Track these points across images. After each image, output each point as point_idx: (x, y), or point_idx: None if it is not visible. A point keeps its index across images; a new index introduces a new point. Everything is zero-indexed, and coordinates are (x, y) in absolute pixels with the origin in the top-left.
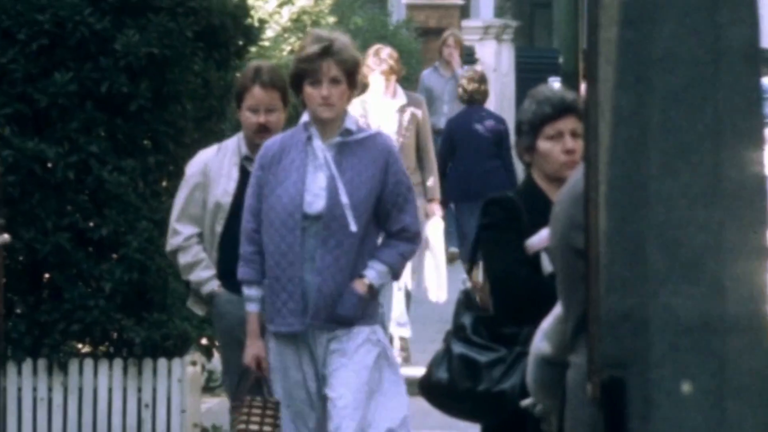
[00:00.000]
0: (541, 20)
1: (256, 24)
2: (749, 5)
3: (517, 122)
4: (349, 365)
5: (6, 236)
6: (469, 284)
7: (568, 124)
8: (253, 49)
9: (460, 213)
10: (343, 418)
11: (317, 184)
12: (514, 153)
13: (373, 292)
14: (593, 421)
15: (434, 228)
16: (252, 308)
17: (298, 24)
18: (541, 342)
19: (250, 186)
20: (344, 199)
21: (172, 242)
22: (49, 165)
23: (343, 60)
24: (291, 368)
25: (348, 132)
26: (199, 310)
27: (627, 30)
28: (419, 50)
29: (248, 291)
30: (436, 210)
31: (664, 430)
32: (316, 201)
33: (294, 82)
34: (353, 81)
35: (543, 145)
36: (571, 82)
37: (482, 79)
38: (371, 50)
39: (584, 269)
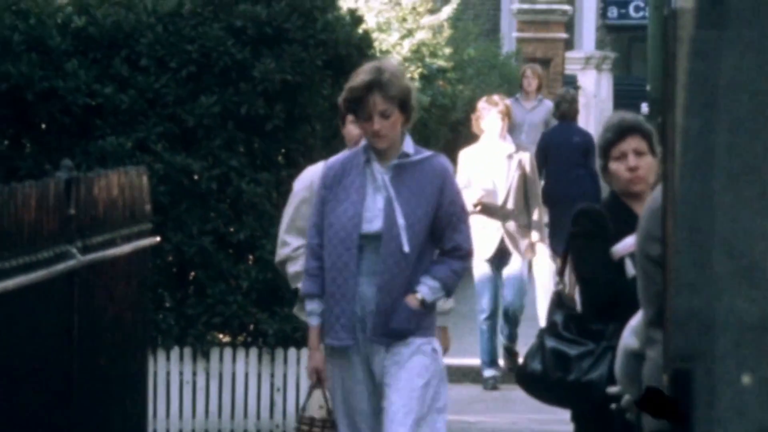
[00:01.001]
0: (638, 52)
1: (378, 54)
2: None
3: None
4: (401, 373)
5: (156, 238)
6: (560, 286)
7: (630, 143)
8: None
9: (551, 215)
10: (393, 422)
11: (376, 205)
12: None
13: (427, 307)
14: None
15: (540, 265)
16: (313, 322)
17: (417, 54)
18: (629, 338)
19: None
20: (400, 220)
21: (281, 252)
22: (195, 177)
23: (390, 94)
24: (347, 380)
25: (405, 155)
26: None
27: (697, 61)
28: None
29: (310, 305)
30: (541, 249)
31: (727, 417)
32: (374, 221)
33: (348, 112)
34: (406, 108)
35: (612, 166)
36: (657, 108)
37: (573, 100)
38: (481, 100)
39: (658, 275)
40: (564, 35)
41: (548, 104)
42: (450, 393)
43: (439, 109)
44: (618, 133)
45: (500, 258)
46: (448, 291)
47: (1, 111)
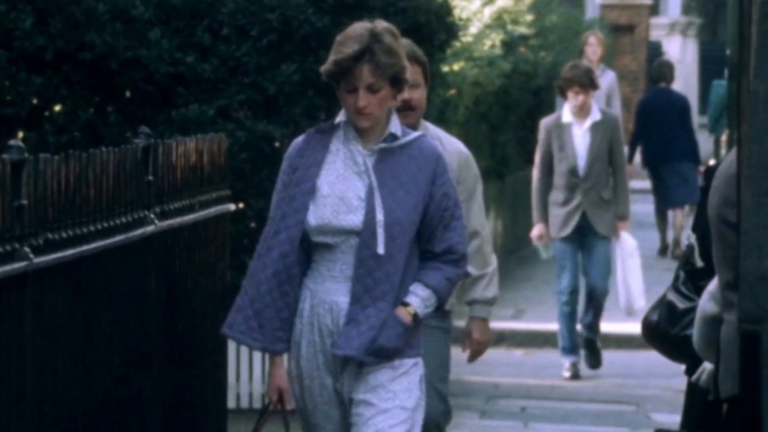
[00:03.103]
0: (724, 18)
1: (458, 21)
2: None
3: None
4: (385, 411)
5: (234, 205)
6: (693, 240)
7: None
8: (457, 44)
9: (656, 172)
10: None
11: (355, 194)
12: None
13: (418, 321)
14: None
15: (625, 244)
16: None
17: (499, 21)
18: (707, 303)
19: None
20: (380, 216)
21: None
22: (276, 144)
23: (381, 66)
24: (308, 378)
25: (393, 137)
26: None
27: (765, 23)
28: (611, 45)
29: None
30: (624, 227)
31: None
32: (352, 214)
33: (329, 79)
34: (398, 83)
35: None
36: (734, 72)
37: (670, 66)
38: (568, 65)
39: (734, 239)
40: (649, 1)
41: (611, 75)
42: (531, 358)
43: (521, 76)
44: None
45: (581, 235)
46: (441, 302)
47: (86, 80)
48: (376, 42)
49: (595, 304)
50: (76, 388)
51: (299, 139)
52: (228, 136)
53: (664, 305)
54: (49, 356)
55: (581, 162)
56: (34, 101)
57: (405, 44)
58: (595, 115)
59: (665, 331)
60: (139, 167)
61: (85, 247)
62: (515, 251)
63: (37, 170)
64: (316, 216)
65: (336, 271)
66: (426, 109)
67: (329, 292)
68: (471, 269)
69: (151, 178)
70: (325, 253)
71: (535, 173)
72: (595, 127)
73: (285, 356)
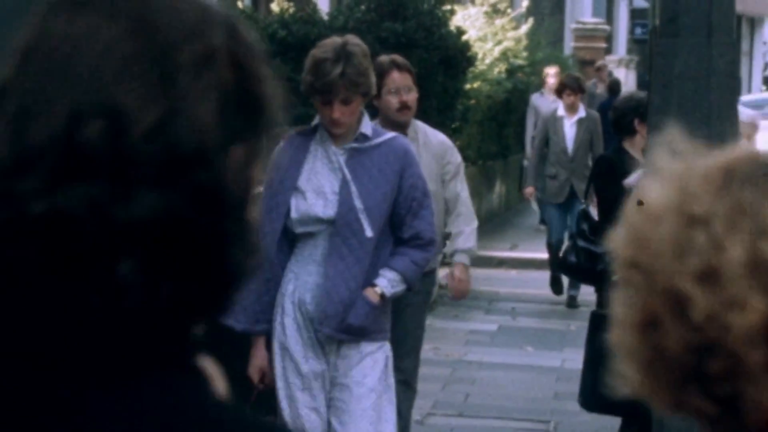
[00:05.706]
0: None
1: (476, 56)
2: (730, 45)
3: (622, 111)
4: (353, 398)
5: None
6: (585, 204)
7: None
8: (476, 70)
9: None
10: None
11: (330, 188)
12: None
13: (385, 302)
14: None
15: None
16: None
17: (504, 56)
18: None
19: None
20: (358, 203)
21: None
22: None
23: (354, 85)
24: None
25: (363, 137)
26: None
27: (659, 58)
28: (580, 73)
29: None
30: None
31: None
32: (328, 205)
33: (310, 94)
34: (367, 94)
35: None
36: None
37: (619, 83)
38: (564, 74)
39: None
40: (605, 45)
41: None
42: (522, 276)
43: (518, 92)
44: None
45: (568, 201)
46: (410, 284)
47: None
48: (349, 63)
49: None
50: None
51: (282, 142)
52: None
53: (580, 251)
54: None
55: (570, 145)
56: None
57: (398, 58)
58: (581, 113)
59: (588, 268)
60: None
61: None
62: (512, 206)
63: None
64: (297, 210)
65: (318, 255)
66: (449, 113)
67: (311, 273)
68: (454, 228)
69: None
70: (308, 240)
71: (533, 151)
72: (580, 122)
73: (263, 338)
